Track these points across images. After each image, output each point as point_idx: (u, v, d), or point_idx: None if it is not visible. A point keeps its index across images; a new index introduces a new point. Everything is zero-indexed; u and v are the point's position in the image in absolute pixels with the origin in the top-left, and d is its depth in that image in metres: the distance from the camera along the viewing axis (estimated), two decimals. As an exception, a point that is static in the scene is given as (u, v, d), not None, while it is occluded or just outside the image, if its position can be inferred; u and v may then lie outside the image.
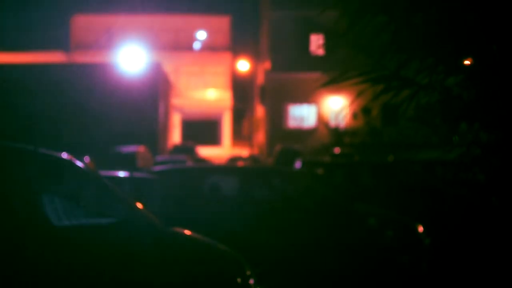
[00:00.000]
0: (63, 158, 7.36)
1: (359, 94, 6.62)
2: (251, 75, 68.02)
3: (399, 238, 12.25)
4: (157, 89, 47.33)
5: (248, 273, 7.48)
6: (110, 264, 6.98)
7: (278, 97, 51.48)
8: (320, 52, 50.17)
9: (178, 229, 7.78)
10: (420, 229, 12.45)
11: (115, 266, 6.98)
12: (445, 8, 5.98)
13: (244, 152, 59.19)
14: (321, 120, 51.17)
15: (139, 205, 7.65)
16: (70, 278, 6.79)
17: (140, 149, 32.79)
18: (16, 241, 6.70)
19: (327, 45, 50.05)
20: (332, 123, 50.55)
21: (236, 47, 69.59)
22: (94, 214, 7.32)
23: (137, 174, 12.82)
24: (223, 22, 70.79)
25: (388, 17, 6.14)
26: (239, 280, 7.38)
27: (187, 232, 7.81)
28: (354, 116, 48.59)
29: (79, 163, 7.40)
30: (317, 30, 49.43)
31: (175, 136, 65.62)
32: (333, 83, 6.34)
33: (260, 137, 58.79)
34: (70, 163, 7.35)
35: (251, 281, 7.44)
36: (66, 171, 7.33)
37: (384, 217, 12.72)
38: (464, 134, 6.13)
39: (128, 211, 7.43)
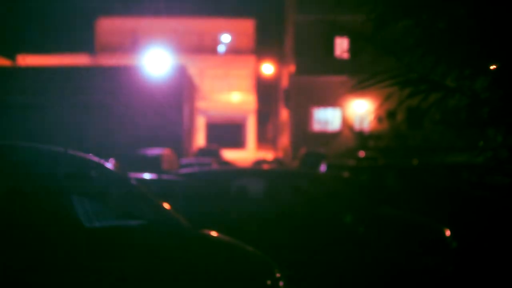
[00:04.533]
0: (93, 160, 7.42)
1: (386, 98, 6.62)
2: (276, 78, 68.08)
3: (426, 241, 12.22)
4: (181, 92, 47.42)
5: (278, 275, 7.44)
6: (139, 266, 7.01)
7: (303, 100, 51.45)
8: (345, 55, 50.07)
9: (205, 231, 7.82)
10: (447, 232, 12.42)
11: (144, 268, 7.02)
12: (471, 10, 5.98)
13: (268, 155, 59.19)
14: (345, 123, 51.10)
15: (167, 207, 7.69)
16: (99, 279, 6.84)
17: (165, 151, 32.86)
18: (48, 242, 6.76)
19: (352, 49, 49.98)
20: (357, 126, 50.47)
21: (261, 50, 69.60)
22: (124, 215, 7.37)
23: (165, 176, 12.89)
24: (247, 25, 70.86)
25: (413, 21, 6.13)
26: (268, 282, 7.33)
27: (214, 233, 7.84)
28: (379, 120, 48.50)
29: (108, 165, 7.46)
30: (341, 33, 49.32)
31: (200, 139, 65.76)
32: (362, 88, 6.30)
33: (285, 140, 58.76)
34: (100, 165, 7.41)
35: (281, 283, 7.42)
36: (96, 173, 7.40)
37: (410, 221, 12.69)
38: (491, 137, 6.12)
39: (156, 213, 7.48)
